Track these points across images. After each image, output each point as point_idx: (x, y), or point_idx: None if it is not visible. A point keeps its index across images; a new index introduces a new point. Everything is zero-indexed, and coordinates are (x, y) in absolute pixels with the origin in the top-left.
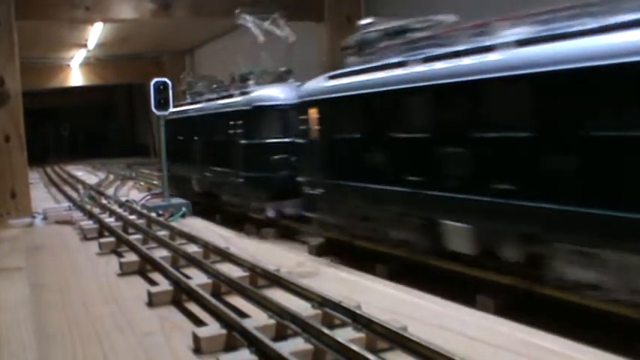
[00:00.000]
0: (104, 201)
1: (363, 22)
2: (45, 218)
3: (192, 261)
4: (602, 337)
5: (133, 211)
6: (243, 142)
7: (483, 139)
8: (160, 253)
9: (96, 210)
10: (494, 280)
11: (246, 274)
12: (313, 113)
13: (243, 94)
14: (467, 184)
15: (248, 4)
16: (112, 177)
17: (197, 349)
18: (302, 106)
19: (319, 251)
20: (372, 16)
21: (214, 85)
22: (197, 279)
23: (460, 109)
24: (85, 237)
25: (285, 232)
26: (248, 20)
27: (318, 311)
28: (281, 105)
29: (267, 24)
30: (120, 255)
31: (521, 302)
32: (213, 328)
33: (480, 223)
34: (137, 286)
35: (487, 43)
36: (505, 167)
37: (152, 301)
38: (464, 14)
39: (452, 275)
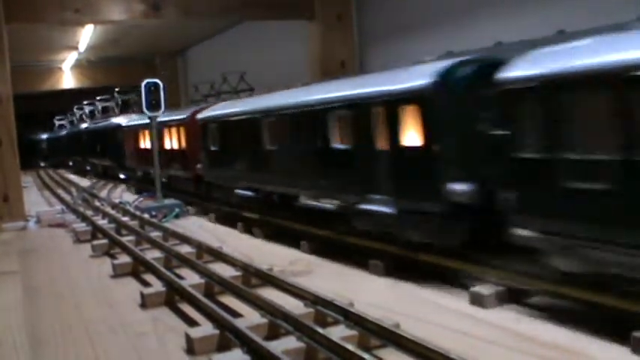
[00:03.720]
0: (97, 203)
1: None
2: (38, 221)
3: (185, 262)
4: (596, 327)
5: (126, 213)
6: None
7: None
8: (153, 255)
9: (89, 212)
10: (488, 274)
11: (239, 273)
12: None
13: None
14: None
15: (237, 6)
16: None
17: (190, 350)
18: None
19: None
20: (362, 14)
21: None
22: (190, 279)
23: None
24: (78, 239)
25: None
26: None
27: (311, 309)
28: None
29: None
30: (113, 257)
31: (514, 295)
32: (205, 329)
33: None
34: (130, 288)
35: None
36: None
37: (145, 303)
38: (453, 10)
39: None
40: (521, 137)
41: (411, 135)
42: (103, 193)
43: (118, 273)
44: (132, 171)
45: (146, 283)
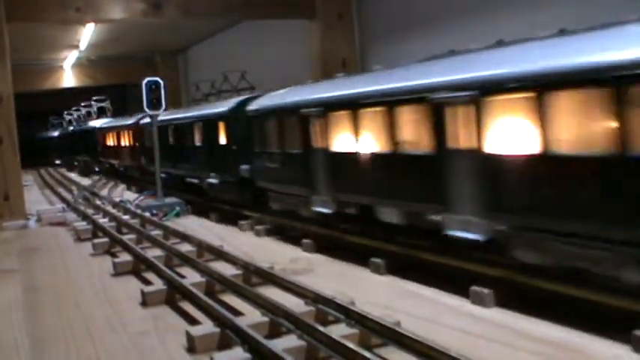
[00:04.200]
0: (98, 202)
1: None
2: (39, 220)
3: (186, 260)
4: (595, 326)
5: (126, 212)
6: None
7: None
8: (153, 253)
9: (90, 211)
10: (488, 272)
11: (240, 272)
12: None
13: None
14: None
15: (238, 5)
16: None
17: (191, 349)
18: None
19: None
20: (363, 12)
21: None
22: (191, 278)
23: None
24: (79, 238)
25: None
26: None
27: (312, 308)
28: None
29: None
30: (114, 255)
31: (516, 294)
32: (206, 327)
33: None
34: (131, 286)
35: None
36: None
37: (146, 301)
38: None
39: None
40: (255, 140)
41: (223, 138)
42: (104, 192)
43: (118, 271)
44: (102, 164)
45: (147, 282)
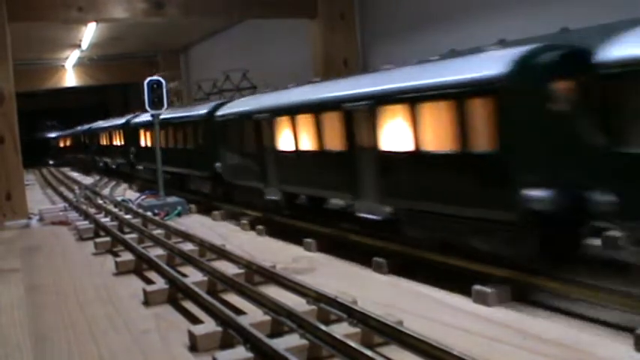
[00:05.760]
0: (100, 201)
1: None
2: (41, 219)
3: (188, 259)
4: (600, 325)
5: (128, 211)
6: None
7: None
8: (155, 252)
9: (92, 210)
10: (491, 272)
11: (242, 271)
12: None
13: None
14: None
15: (239, 4)
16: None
17: (193, 347)
18: None
19: None
20: (365, 12)
21: None
22: (193, 277)
23: None
24: (81, 237)
25: None
26: None
27: (314, 307)
28: None
29: None
30: (115, 254)
31: (519, 292)
32: (209, 326)
33: None
34: (133, 285)
35: None
36: None
37: (148, 300)
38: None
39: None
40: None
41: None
42: (106, 191)
43: (120, 270)
44: (56, 158)
45: (149, 281)
